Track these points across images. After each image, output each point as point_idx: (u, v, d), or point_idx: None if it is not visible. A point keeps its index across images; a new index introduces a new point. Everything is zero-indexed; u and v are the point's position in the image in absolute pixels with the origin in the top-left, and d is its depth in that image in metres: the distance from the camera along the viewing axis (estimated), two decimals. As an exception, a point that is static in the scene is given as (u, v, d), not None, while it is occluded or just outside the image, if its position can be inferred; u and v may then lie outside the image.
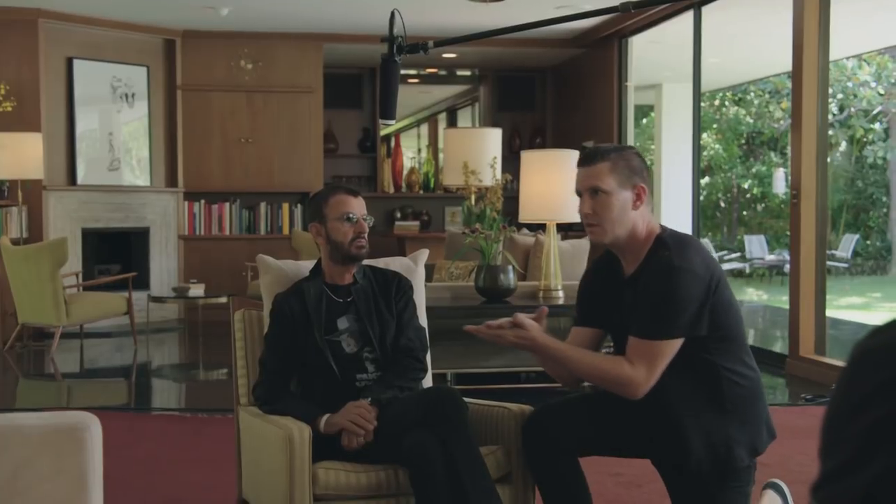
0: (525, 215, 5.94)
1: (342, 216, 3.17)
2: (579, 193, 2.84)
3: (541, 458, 2.89)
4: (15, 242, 8.25)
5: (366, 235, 3.20)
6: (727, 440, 2.72)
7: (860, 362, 1.02)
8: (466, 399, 3.11)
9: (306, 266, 3.35)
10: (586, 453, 2.92)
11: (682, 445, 2.74)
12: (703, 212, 15.57)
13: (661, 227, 2.83)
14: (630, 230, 2.78)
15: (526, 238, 7.00)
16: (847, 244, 16.25)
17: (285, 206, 10.30)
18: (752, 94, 18.03)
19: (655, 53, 10.21)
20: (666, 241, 2.76)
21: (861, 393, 0.99)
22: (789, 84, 7.31)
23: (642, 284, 2.74)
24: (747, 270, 17.11)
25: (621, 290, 2.82)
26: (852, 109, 16.85)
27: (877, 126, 17.08)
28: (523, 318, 2.77)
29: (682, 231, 2.88)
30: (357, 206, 3.21)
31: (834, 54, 7.47)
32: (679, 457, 2.77)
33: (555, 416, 2.91)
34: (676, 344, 2.68)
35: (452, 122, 13.15)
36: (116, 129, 9.62)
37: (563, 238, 7.24)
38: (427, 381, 3.32)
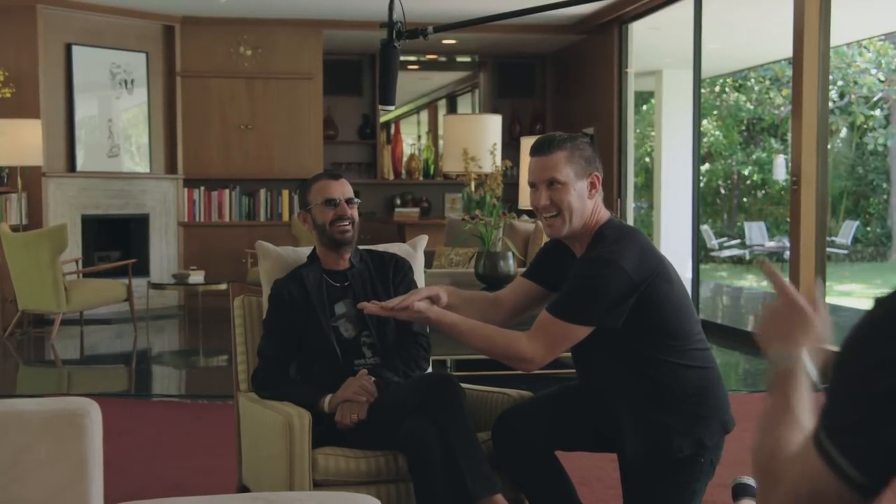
0: (525, 202, 5.93)
1: (324, 201, 3.17)
2: (533, 185, 2.78)
3: (515, 460, 2.90)
4: (14, 229, 8.25)
5: (350, 217, 3.17)
6: (666, 431, 2.71)
7: (879, 324, 1.05)
8: (466, 385, 3.12)
9: (305, 252, 3.35)
10: (558, 449, 2.94)
11: (620, 436, 2.77)
12: (703, 198, 15.54)
13: (610, 217, 2.80)
14: (585, 220, 2.76)
15: (526, 224, 6.99)
16: (847, 231, 16.23)
17: (285, 193, 10.29)
18: (753, 80, 17.99)
19: (656, 39, 10.18)
20: (604, 233, 2.74)
21: (877, 358, 1.03)
22: (790, 70, 7.30)
23: (574, 268, 2.74)
24: (747, 257, 17.10)
25: (568, 269, 2.81)
26: (853, 96, 16.82)
27: (877, 113, 17.05)
28: (418, 304, 2.79)
29: (628, 224, 2.88)
30: (339, 190, 3.19)
31: (834, 41, 7.45)
32: (618, 447, 2.81)
33: (522, 418, 2.91)
34: (582, 330, 2.68)
35: (452, 109, 13.13)
36: (116, 115, 9.61)
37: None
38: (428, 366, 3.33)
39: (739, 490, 3.23)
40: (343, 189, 3.21)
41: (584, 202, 2.74)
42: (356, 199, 3.23)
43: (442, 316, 2.79)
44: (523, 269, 3.22)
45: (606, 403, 2.80)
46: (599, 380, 2.82)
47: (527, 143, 6.07)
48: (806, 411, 1.28)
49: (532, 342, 2.69)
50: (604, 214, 2.79)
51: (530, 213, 7.38)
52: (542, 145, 2.77)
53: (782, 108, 17.58)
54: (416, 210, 10.93)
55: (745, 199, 19.42)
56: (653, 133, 13.65)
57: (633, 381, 2.74)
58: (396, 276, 3.25)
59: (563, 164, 2.72)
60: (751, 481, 3.26)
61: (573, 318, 2.67)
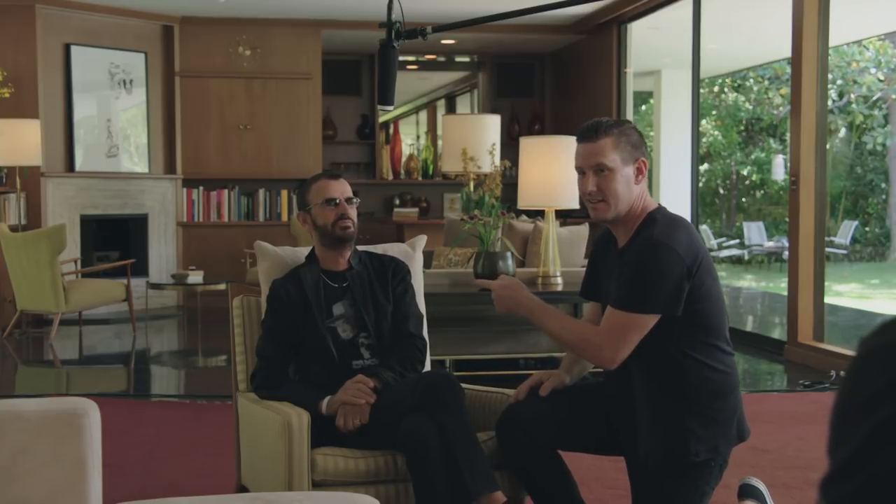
0: (524, 202, 5.93)
1: (324, 201, 3.17)
2: (581, 171, 2.79)
3: (517, 455, 2.88)
4: (13, 229, 8.24)
5: (351, 215, 3.18)
6: (683, 433, 2.68)
7: (866, 360, 1.02)
8: (465, 385, 3.12)
9: (304, 252, 3.35)
10: (561, 448, 2.92)
11: (634, 436, 2.74)
12: (701, 198, 15.54)
13: (658, 205, 2.82)
14: (631, 205, 2.76)
15: (525, 224, 6.99)
16: (846, 231, 16.23)
17: (284, 193, 10.28)
18: (752, 80, 17.99)
19: (655, 40, 10.19)
20: (656, 217, 2.75)
21: (866, 393, 0.99)
22: (789, 70, 7.30)
23: (626, 257, 2.73)
24: (746, 257, 17.10)
25: (614, 264, 2.82)
26: (852, 96, 16.82)
27: (876, 112, 17.04)
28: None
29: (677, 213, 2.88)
30: (338, 189, 3.20)
31: (833, 40, 7.45)
32: (632, 446, 2.77)
33: (526, 414, 2.88)
34: (649, 319, 2.65)
35: (451, 109, 13.13)
36: (114, 115, 9.60)
37: (562, 224, 7.24)
38: (425, 367, 3.33)
39: (745, 491, 3.23)
40: (343, 189, 3.21)
41: (631, 187, 2.75)
42: (356, 199, 3.23)
43: (534, 304, 2.87)
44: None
45: (626, 401, 2.76)
46: (626, 376, 2.77)
47: (526, 143, 6.06)
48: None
49: (603, 335, 2.70)
50: (651, 202, 2.80)
51: (529, 214, 7.38)
52: (589, 131, 2.77)
53: (781, 108, 17.58)
54: (415, 210, 10.92)
55: (743, 199, 19.42)
56: (652, 133, 13.64)
57: (660, 379, 2.71)
58: (395, 278, 3.25)
59: (609, 150, 2.73)
60: (756, 483, 3.26)
61: (635, 307, 2.65)
